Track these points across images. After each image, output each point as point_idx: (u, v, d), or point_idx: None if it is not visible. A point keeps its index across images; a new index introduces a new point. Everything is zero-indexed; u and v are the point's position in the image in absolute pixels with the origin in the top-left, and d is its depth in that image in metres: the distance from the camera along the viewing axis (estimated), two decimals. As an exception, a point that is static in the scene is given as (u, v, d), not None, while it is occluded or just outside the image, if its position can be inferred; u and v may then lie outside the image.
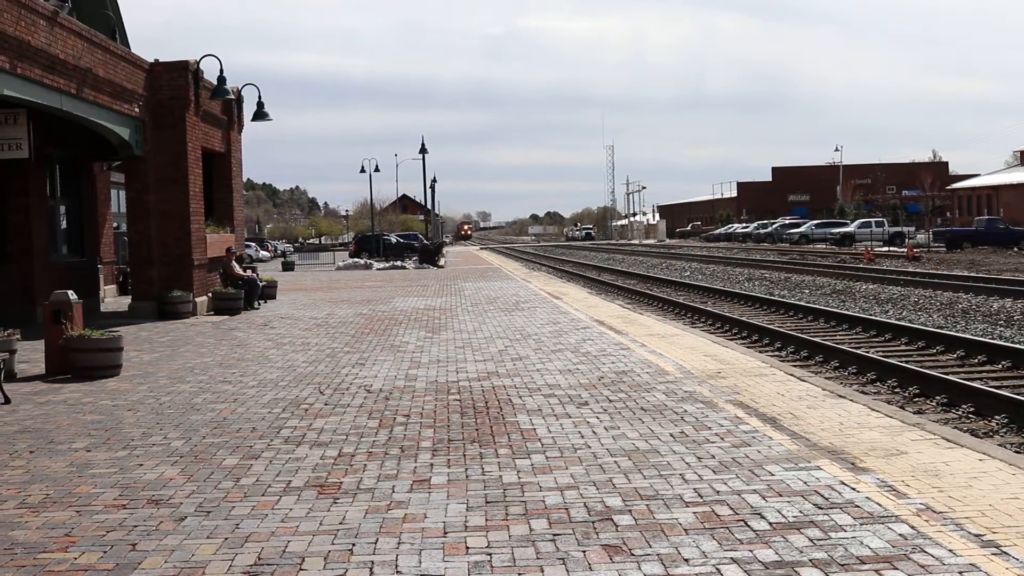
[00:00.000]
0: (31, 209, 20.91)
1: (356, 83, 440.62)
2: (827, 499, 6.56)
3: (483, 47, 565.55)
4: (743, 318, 21.98)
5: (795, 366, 14.33)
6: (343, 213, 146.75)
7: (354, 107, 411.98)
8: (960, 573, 5.20)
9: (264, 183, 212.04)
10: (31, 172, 20.62)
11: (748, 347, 17.10)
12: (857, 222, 77.76)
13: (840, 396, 10.32)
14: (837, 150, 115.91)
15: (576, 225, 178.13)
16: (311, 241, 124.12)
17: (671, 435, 8.63)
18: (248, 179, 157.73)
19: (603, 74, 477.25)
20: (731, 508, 6.42)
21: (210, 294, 23.27)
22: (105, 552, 5.88)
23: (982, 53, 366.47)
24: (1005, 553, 5.45)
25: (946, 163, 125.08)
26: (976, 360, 15.32)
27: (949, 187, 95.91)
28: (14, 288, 20.24)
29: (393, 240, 67.41)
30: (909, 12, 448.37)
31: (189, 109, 22.58)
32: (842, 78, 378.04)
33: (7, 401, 11.25)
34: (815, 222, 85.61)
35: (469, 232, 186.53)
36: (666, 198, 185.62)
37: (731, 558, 5.50)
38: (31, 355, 14.60)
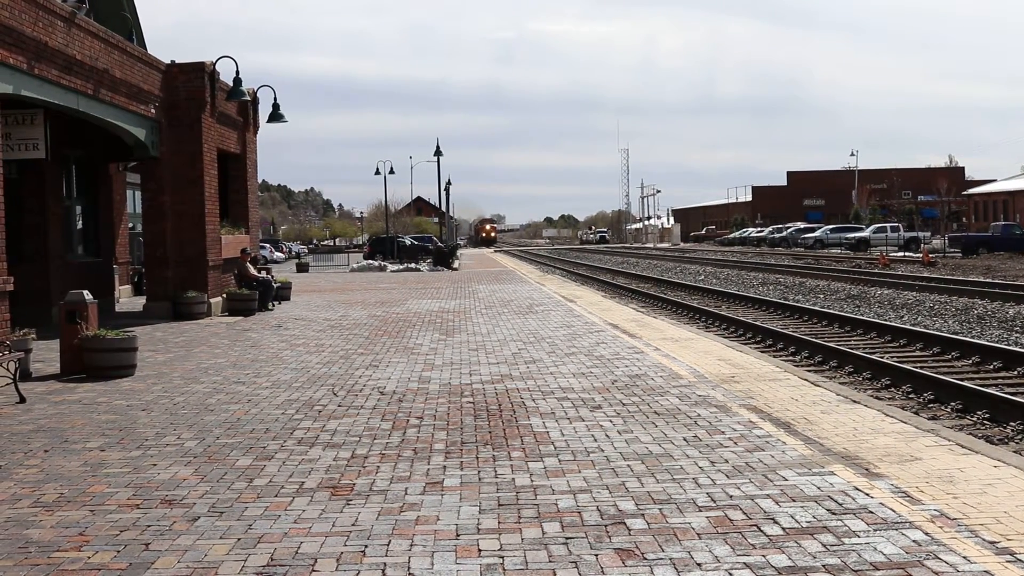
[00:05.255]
0: (47, 209, 21.01)
1: (368, 86, 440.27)
2: (841, 504, 6.53)
3: (494, 51, 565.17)
4: (757, 322, 21.93)
5: (809, 371, 14.28)
6: (357, 215, 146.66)
7: (367, 109, 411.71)
8: (975, 580, 5.17)
9: (279, 184, 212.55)
10: (47, 172, 20.72)
11: (762, 351, 17.06)
12: (872, 227, 77.62)
13: (854, 401, 10.29)
14: (853, 155, 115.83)
15: (590, 228, 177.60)
16: (325, 243, 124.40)
17: (684, 439, 8.62)
18: (263, 180, 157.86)
19: (615, 78, 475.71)
20: (744, 513, 6.41)
21: (225, 295, 23.34)
22: (118, 551, 5.90)
23: (997, 59, 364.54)
24: (1020, 560, 5.42)
25: (962, 168, 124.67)
26: (991, 366, 15.23)
27: (965, 192, 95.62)
28: (30, 288, 20.32)
29: (407, 242, 67.41)
30: (923, 17, 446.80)
31: (205, 110, 22.67)
32: (856, 83, 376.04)
33: (22, 400, 11.31)
34: (830, 227, 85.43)
35: (492, 233, 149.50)
36: (681, 202, 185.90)
37: (744, 563, 5.48)
38: (46, 354, 14.68)
